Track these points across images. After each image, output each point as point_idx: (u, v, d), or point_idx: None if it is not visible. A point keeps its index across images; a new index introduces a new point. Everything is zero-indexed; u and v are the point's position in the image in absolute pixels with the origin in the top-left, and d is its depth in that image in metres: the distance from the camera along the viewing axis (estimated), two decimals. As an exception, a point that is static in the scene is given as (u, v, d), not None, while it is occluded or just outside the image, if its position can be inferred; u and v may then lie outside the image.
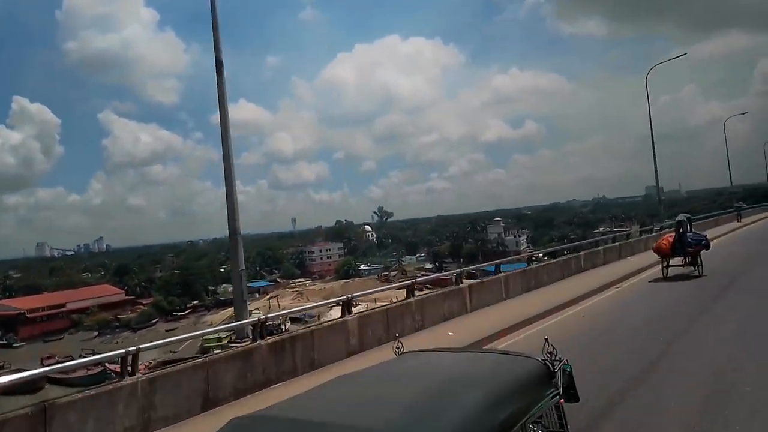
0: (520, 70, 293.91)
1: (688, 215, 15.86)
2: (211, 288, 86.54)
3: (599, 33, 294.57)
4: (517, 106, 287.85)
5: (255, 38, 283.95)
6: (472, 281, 14.73)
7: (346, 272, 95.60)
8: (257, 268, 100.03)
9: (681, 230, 14.71)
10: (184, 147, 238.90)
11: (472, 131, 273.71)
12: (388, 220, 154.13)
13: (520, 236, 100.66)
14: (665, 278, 15.13)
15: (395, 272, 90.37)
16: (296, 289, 78.12)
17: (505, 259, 20.75)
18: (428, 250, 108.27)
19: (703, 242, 14.91)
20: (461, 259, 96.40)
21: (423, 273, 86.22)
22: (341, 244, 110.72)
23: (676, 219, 15.66)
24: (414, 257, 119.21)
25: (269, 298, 72.13)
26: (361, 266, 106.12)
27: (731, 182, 51.14)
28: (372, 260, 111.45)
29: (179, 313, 72.95)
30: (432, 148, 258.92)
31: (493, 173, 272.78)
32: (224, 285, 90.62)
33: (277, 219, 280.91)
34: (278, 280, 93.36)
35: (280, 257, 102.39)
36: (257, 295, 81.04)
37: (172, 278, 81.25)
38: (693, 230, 15.58)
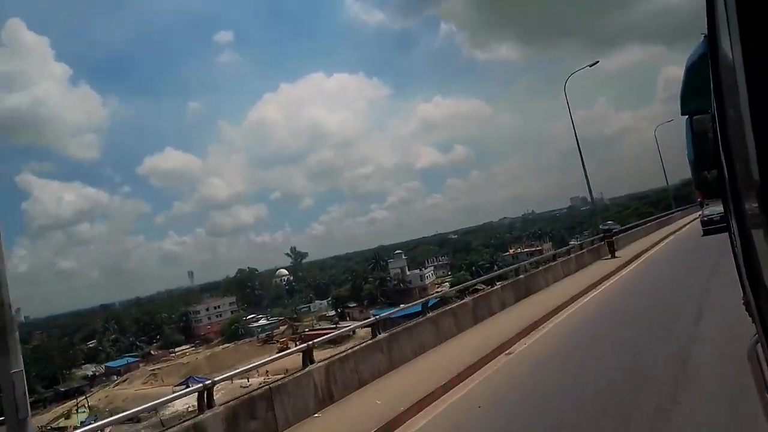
0: (443, 97, 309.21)
1: None
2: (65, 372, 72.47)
3: (512, 57, 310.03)
4: (445, 132, 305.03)
5: (173, 85, 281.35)
6: (332, 355, 9.03)
7: (235, 332, 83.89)
8: (131, 339, 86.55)
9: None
10: (111, 202, 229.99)
11: (406, 160, 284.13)
12: (303, 261, 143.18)
13: (425, 269, 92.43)
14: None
15: (284, 327, 79.59)
16: (156, 367, 65.70)
17: (386, 313, 13.54)
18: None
19: None
20: (364, 302, 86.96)
21: (310, 330, 76.01)
22: (234, 299, 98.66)
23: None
24: (326, 301, 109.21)
25: (115, 386, 59.61)
26: (261, 320, 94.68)
27: (589, 197, 43.20)
28: (277, 311, 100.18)
29: None
30: (368, 179, 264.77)
31: (431, 199, 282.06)
32: (86, 365, 76.84)
33: (222, 267, 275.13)
34: (152, 352, 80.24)
35: (160, 322, 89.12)
36: (116, 377, 68.08)
37: None
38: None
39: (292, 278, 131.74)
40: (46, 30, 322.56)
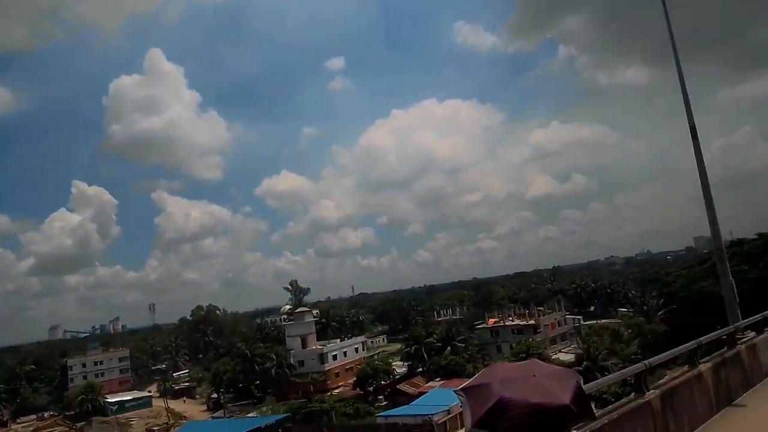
0: (562, 123, 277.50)
1: None
2: None
3: (640, 80, 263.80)
4: (562, 159, 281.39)
5: (289, 111, 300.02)
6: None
7: (82, 406, 61.72)
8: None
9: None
10: (233, 220, 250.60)
11: (517, 189, 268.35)
12: (304, 298, 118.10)
13: (345, 339, 60.35)
14: None
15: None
16: None
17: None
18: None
19: None
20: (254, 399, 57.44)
21: None
22: (127, 353, 77.35)
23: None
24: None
25: None
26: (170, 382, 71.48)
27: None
28: (199, 371, 76.58)
29: None
30: (477, 207, 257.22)
31: (544, 230, 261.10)
32: None
33: (327, 286, 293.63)
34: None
35: (30, 376, 71.09)
36: None
37: None
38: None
39: (279, 320, 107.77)
40: (181, 60, 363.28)
